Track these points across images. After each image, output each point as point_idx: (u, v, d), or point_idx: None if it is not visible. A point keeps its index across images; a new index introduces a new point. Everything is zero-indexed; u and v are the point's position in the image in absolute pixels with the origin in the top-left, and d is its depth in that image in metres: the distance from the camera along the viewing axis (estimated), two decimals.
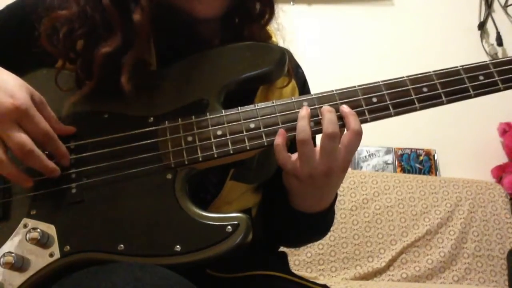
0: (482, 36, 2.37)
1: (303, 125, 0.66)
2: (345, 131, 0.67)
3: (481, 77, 0.70)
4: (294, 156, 0.67)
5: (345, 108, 0.67)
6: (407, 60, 2.25)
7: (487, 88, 0.69)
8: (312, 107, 0.68)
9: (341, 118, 0.67)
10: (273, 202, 0.83)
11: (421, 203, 1.93)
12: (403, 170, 2.17)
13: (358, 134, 0.66)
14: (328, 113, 0.66)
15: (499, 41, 2.31)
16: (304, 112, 0.67)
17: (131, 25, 0.67)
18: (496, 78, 0.70)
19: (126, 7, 0.67)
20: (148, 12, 0.66)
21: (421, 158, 2.20)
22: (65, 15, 0.68)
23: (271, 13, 0.75)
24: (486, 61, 0.71)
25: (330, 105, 0.68)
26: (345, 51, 2.38)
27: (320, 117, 0.67)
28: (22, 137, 0.60)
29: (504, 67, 0.70)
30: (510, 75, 0.70)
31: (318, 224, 0.78)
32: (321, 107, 0.68)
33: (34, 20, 0.70)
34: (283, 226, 0.82)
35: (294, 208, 0.75)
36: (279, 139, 0.67)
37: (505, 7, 2.38)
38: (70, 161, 0.66)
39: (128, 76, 0.66)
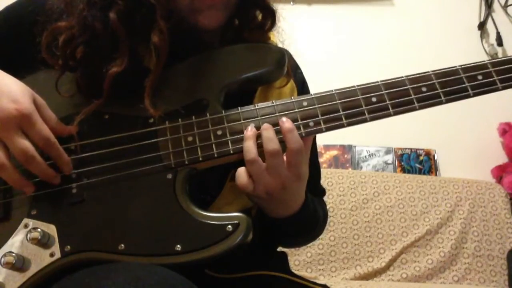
0: (482, 36, 2.37)
1: (248, 145, 0.65)
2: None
3: (479, 77, 0.70)
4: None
5: (283, 123, 0.66)
6: (407, 60, 2.25)
7: (486, 87, 0.70)
8: (312, 107, 0.68)
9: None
10: None
11: (421, 203, 1.93)
12: (403, 170, 2.17)
13: (298, 152, 0.65)
14: (265, 131, 0.65)
15: (499, 41, 2.31)
16: (249, 133, 0.66)
17: (136, 40, 0.68)
18: (495, 78, 0.70)
19: (132, 24, 0.68)
20: (167, 34, 0.67)
21: (421, 158, 2.20)
22: (65, 26, 0.68)
23: (273, 22, 0.76)
24: (484, 61, 0.71)
25: (331, 105, 0.68)
26: (345, 51, 2.38)
27: (319, 118, 0.67)
28: (25, 143, 0.61)
29: (502, 67, 0.70)
30: (509, 75, 0.70)
31: (297, 225, 0.77)
32: (321, 107, 0.68)
33: (33, 24, 0.70)
34: (269, 230, 0.82)
35: (267, 215, 0.74)
36: (242, 168, 0.66)
37: (505, 7, 2.38)
38: (71, 168, 0.66)
39: (150, 99, 0.66)
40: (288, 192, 0.68)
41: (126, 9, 0.67)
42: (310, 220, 0.82)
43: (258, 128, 0.67)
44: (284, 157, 0.66)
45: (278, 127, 0.66)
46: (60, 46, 0.68)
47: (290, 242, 0.93)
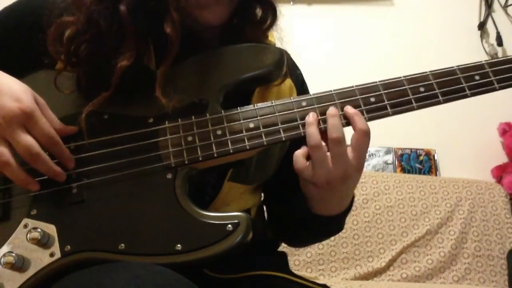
0: (482, 36, 2.37)
1: (312, 130, 0.66)
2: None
3: (476, 77, 0.70)
4: (310, 163, 0.67)
5: (349, 109, 0.67)
6: (407, 60, 2.25)
7: (483, 87, 0.70)
8: (311, 107, 0.69)
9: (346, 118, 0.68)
10: (286, 203, 0.83)
11: (421, 203, 1.93)
12: (403, 170, 2.17)
13: (366, 134, 0.66)
14: (331, 118, 0.66)
15: (499, 41, 2.31)
16: (311, 118, 0.67)
17: (142, 34, 0.68)
18: (492, 78, 0.70)
19: (142, 17, 0.68)
20: (179, 25, 0.67)
21: (421, 158, 2.20)
22: (72, 21, 0.68)
23: (273, 19, 0.76)
24: (481, 61, 0.71)
25: (330, 105, 0.69)
26: (345, 51, 2.38)
27: (319, 117, 0.68)
28: (30, 140, 0.61)
29: (499, 67, 0.71)
30: (505, 75, 0.70)
31: (334, 225, 0.78)
32: (320, 107, 0.68)
33: (32, 25, 0.70)
34: (296, 227, 0.82)
35: (312, 211, 0.74)
36: (300, 150, 0.67)
37: (505, 7, 2.39)
38: (74, 164, 0.66)
39: (162, 89, 0.66)
40: (346, 185, 0.68)
41: (136, 2, 0.67)
42: (344, 221, 0.82)
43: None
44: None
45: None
46: (65, 42, 0.68)
47: (311, 241, 0.92)
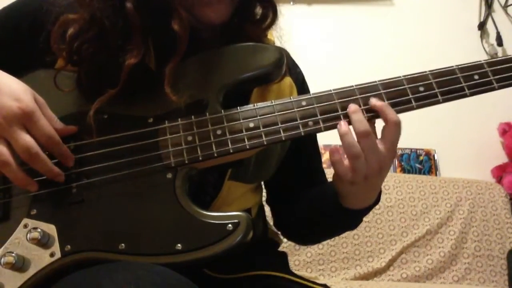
0: (482, 36, 2.37)
1: (349, 139, 0.65)
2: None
3: (476, 77, 0.70)
4: (348, 165, 0.67)
5: (376, 101, 0.67)
6: (407, 60, 2.25)
7: (482, 87, 0.70)
8: (311, 107, 0.68)
9: (371, 111, 0.68)
10: (309, 198, 0.84)
11: (421, 203, 1.93)
12: (403, 170, 2.17)
13: (397, 125, 0.66)
14: (354, 114, 0.66)
15: (499, 41, 2.31)
16: (345, 128, 0.66)
17: (146, 32, 0.68)
18: (491, 78, 0.70)
19: (148, 14, 0.68)
20: (187, 23, 0.67)
21: (421, 158, 2.20)
22: (75, 18, 0.68)
23: (273, 17, 0.76)
24: (481, 61, 0.71)
25: (329, 104, 0.68)
26: (345, 51, 2.38)
27: (318, 117, 0.68)
28: (29, 140, 0.61)
29: (498, 67, 0.70)
30: (504, 75, 0.70)
31: (356, 219, 0.79)
32: (320, 106, 0.68)
33: (32, 25, 0.70)
34: (315, 221, 0.82)
35: (343, 205, 0.74)
36: (337, 156, 0.67)
37: (505, 7, 2.39)
38: (74, 163, 0.66)
39: (171, 86, 0.66)
40: (381, 177, 0.69)
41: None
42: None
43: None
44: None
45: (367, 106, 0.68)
46: (67, 40, 0.68)
47: (333, 235, 0.93)
